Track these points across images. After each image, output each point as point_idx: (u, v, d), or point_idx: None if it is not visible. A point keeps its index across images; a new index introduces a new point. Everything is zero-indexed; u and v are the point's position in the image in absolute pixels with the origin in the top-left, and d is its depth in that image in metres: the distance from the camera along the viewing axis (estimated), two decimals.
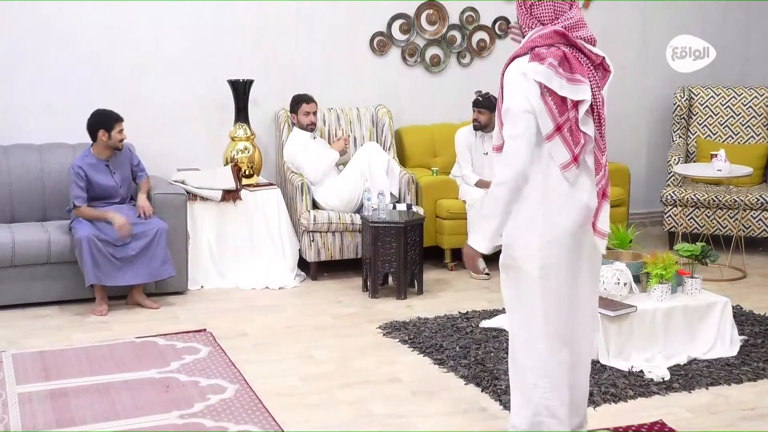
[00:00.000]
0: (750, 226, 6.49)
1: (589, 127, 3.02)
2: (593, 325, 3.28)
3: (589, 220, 3.09)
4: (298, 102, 6.14)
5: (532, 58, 2.96)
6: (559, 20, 3.02)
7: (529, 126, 2.97)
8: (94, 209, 5.25)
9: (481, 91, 6.16)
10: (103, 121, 5.28)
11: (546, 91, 2.95)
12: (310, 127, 6.15)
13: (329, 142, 6.38)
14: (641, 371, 4.22)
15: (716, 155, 6.08)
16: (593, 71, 3.02)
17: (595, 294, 3.25)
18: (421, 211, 6.00)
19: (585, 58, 3.02)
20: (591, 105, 3.01)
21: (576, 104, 2.99)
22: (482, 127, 6.15)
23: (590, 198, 3.07)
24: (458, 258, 6.14)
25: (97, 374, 4.24)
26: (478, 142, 6.24)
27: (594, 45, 3.07)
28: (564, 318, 3.11)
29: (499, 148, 3.11)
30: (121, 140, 5.34)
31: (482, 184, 6.02)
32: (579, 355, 3.21)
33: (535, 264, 3.06)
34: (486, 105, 6.08)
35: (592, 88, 3.00)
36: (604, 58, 3.06)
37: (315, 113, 6.16)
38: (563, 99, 2.97)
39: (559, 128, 2.97)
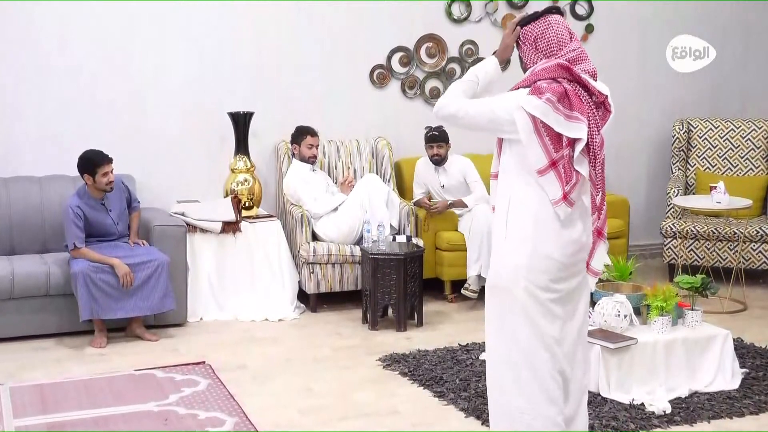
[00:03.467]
0: (750, 258, 6.49)
1: (583, 167, 3.02)
2: (584, 355, 3.23)
3: (582, 255, 3.08)
4: (303, 133, 6.15)
5: (532, 92, 2.99)
6: (563, 52, 3.05)
7: (490, 121, 3.05)
8: (96, 252, 5.20)
9: (431, 127, 6.19)
10: (86, 166, 5.25)
11: (542, 125, 2.96)
12: (311, 160, 6.17)
13: (329, 174, 6.40)
14: (642, 404, 4.19)
15: (715, 187, 6.10)
16: (594, 110, 3.02)
17: (584, 325, 3.22)
18: (420, 242, 6.00)
19: (587, 96, 3.02)
20: (587, 144, 3.00)
21: (571, 142, 2.99)
22: (441, 160, 6.23)
23: (582, 234, 3.06)
24: (458, 290, 6.13)
25: (95, 407, 4.21)
26: (435, 175, 6.30)
27: (596, 79, 3.09)
28: (548, 346, 3.08)
29: (497, 176, 3.15)
30: (108, 182, 5.28)
31: (422, 203, 6.22)
32: (571, 385, 3.16)
33: (521, 285, 3.05)
34: (443, 138, 6.17)
35: (590, 127, 2.99)
36: (606, 96, 3.07)
37: (317, 147, 6.19)
38: (559, 135, 2.97)
39: (553, 164, 2.97)
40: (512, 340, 3.10)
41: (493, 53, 3.22)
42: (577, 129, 2.97)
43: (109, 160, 5.28)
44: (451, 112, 3.14)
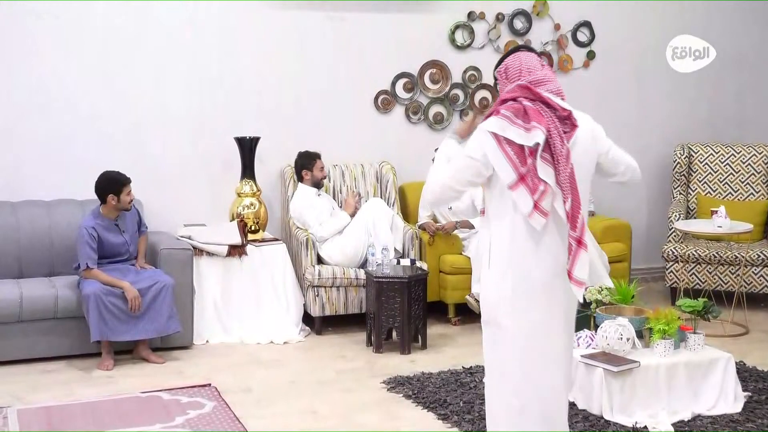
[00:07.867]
0: (751, 282, 6.52)
1: (548, 176, 3.05)
2: (567, 381, 3.27)
3: (561, 272, 3.12)
4: (312, 158, 6.23)
5: (490, 113, 3.13)
6: (529, 77, 3.17)
7: (468, 167, 3.12)
8: (106, 274, 5.26)
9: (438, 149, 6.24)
10: (113, 185, 5.34)
11: (504, 141, 3.04)
12: (324, 181, 6.24)
13: (334, 198, 6.46)
14: (645, 427, 4.22)
15: (716, 212, 6.14)
16: (556, 122, 3.08)
17: (569, 350, 3.25)
18: (424, 266, 6.04)
19: (548, 111, 3.09)
20: (551, 153, 3.04)
21: (533, 151, 3.04)
22: None
23: (559, 249, 3.10)
24: (462, 313, 6.16)
25: (102, 429, 4.24)
26: None
27: (563, 98, 3.17)
28: (535, 373, 3.13)
29: (483, 212, 3.24)
30: (130, 201, 5.41)
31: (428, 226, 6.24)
32: (551, 410, 3.20)
33: (508, 314, 3.10)
34: None
35: (552, 137, 3.04)
36: (571, 112, 3.13)
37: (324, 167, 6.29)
38: (522, 148, 3.04)
39: (522, 178, 3.03)
40: (500, 370, 3.19)
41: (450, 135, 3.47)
42: (534, 136, 3.03)
43: (130, 180, 5.43)
44: (436, 194, 3.24)
